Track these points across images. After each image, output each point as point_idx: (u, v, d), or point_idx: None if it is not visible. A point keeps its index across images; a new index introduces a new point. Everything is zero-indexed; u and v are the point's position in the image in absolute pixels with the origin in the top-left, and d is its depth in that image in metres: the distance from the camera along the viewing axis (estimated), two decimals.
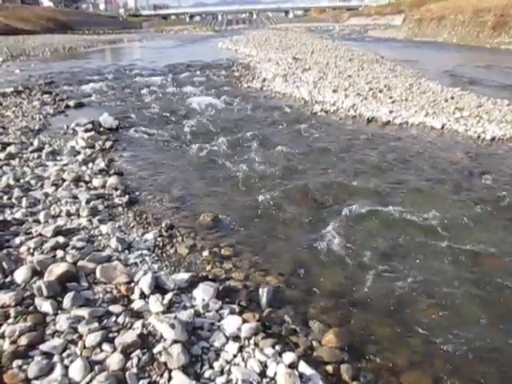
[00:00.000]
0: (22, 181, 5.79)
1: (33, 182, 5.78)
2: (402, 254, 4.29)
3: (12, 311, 3.07)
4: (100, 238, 4.38)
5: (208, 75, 17.35)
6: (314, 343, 3.13)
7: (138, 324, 3.04)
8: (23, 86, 13.69)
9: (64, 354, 2.77)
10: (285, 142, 8.04)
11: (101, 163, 6.67)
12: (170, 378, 2.66)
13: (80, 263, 3.73)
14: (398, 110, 10.07)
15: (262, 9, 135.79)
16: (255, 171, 6.53)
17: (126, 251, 4.15)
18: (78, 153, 7.21)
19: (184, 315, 3.10)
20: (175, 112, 10.61)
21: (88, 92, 13.68)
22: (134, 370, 2.68)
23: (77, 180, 5.86)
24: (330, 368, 2.92)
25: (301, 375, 2.74)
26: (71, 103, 11.44)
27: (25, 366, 2.65)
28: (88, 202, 5.16)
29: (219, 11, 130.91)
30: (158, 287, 3.47)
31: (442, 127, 9.01)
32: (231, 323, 3.13)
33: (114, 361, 2.72)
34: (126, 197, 5.45)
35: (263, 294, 3.51)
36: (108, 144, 7.85)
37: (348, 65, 18.12)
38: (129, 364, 2.72)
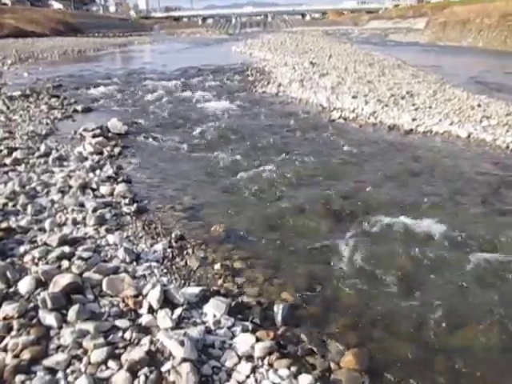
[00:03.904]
0: (27, 187, 5.84)
1: (39, 188, 5.84)
2: (426, 272, 4.21)
3: (15, 323, 3.07)
4: (107, 248, 4.40)
5: (221, 80, 17.48)
6: (332, 365, 3.06)
7: (145, 340, 3.02)
8: (31, 90, 13.92)
9: (68, 370, 2.76)
10: (301, 149, 8.02)
11: (109, 170, 6.72)
12: None
13: (86, 274, 3.73)
14: (421, 118, 9.99)
15: (277, 11, 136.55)
16: (270, 180, 6.51)
17: (134, 263, 4.15)
18: (86, 159, 7.28)
19: (194, 332, 3.08)
20: (186, 118, 10.68)
21: (96, 96, 13.87)
22: None
23: (84, 187, 5.91)
24: None
25: None
26: (79, 107, 11.59)
27: (27, 382, 2.64)
28: (95, 210, 5.19)
29: (233, 14, 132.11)
30: (167, 301, 3.45)
31: (469, 136, 8.91)
32: (244, 341, 3.09)
33: (120, 379, 2.70)
34: (135, 205, 5.47)
35: (278, 310, 3.47)
36: (116, 150, 7.92)
37: (368, 70, 18.10)
38: (135, 383, 2.69)
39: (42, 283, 3.55)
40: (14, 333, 3.01)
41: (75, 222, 4.91)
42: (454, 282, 4.06)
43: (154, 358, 2.87)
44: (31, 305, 3.30)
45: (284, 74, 17.66)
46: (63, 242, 4.33)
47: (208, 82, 17.08)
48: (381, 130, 9.71)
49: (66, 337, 3.00)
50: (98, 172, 6.62)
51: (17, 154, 7.17)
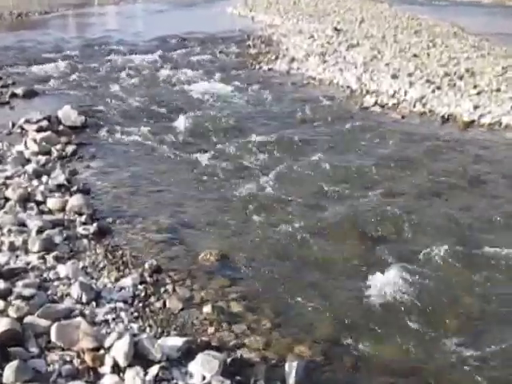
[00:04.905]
0: None
1: None
2: (494, 318, 4.22)
3: None
4: (57, 283, 4.40)
5: (212, 53, 17.57)
6: None
7: None
8: None
9: None
10: (322, 149, 8.04)
11: (59, 176, 6.73)
12: None
13: (28, 319, 3.73)
14: (486, 105, 10.01)
15: None
16: (279, 191, 6.53)
17: (93, 303, 4.15)
18: (28, 161, 7.29)
19: None
20: (166, 105, 10.70)
21: (43, 76, 13.88)
22: None
23: (25, 200, 5.92)
24: None
25: None
26: (19, 91, 11.62)
27: None
28: (40, 231, 5.20)
29: None
30: (139, 357, 3.45)
31: None
32: None
33: None
34: (94, 225, 5.48)
35: (291, 370, 3.46)
36: (70, 149, 7.93)
37: (413, 39, 18.20)
38: None
39: None
40: None
41: (13, 248, 4.91)
42: None
43: None
44: None
45: (298, 44, 17.76)
46: None
47: (195, 56, 17.15)
48: (431, 122, 9.74)
49: None
50: (44, 179, 6.63)
51: None
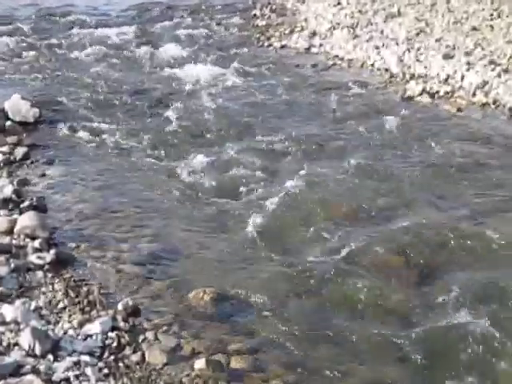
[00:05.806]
0: None
1: None
2: None
3: None
4: (1, 329, 4.41)
5: (207, 25, 17.54)
6: None
7: None
8: None
9: None
10: (352, 152, 8.05)
11: (6, 188, 6.75)
12: None
13: None
14: None
15: None
16: (294, 209, 6.55)
17: (50, 356, 4.16)
18: None
19: None
20: (146, 94, 10.72)
21: None
22: None
23: None
24: None
25: None
26: None
27: None
28: None
29: None
30: None
31: None
32: None
33: None
34: (52, 252, 5.50)
35: None
36: (20, 152, 7.96)
37: (472, 7, 18.15)
38: None
39: None
40: None
41: None
42: None
43: None
44: None
45: (321, 14, 17.71)
46: None
47: (183, 29, 17.10)
48: (496, 117, 9.74)
49: None
50: None
51: None
